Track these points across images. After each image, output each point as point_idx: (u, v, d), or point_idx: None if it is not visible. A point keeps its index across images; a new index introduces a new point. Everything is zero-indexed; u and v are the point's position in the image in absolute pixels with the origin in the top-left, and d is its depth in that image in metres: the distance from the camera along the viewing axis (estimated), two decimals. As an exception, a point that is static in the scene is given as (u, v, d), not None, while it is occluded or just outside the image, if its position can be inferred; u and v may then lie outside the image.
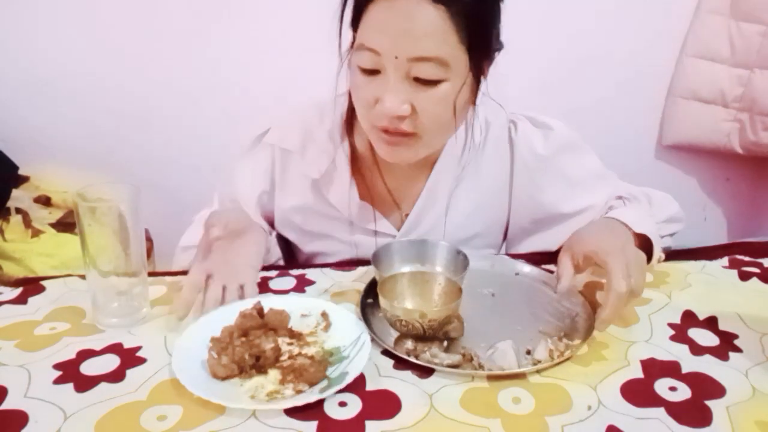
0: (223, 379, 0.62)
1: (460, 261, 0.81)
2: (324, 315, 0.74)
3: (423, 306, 0.74)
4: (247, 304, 0.72)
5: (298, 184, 0.94)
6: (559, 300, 0.81)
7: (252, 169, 0.96)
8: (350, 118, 0.91)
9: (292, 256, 1.03)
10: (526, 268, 0.88)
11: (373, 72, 0.76)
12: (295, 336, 0.70)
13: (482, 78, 0.81)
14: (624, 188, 0.97)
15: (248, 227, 0.85)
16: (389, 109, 0.75)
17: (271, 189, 0.96)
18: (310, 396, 0.59)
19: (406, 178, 0.94)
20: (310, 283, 0.86)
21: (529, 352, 0.69)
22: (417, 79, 0.75)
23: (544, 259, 0.92)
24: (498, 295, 0.82)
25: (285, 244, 1.01)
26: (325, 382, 0.62)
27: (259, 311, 0.71)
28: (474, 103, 0.83)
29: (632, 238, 0.82)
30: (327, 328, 0.72)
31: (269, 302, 0.73)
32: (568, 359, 0.67)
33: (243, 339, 0.66)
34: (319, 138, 0.91)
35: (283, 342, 0.69)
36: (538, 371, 0.66)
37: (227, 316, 0.70)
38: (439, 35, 0.73)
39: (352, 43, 0.79)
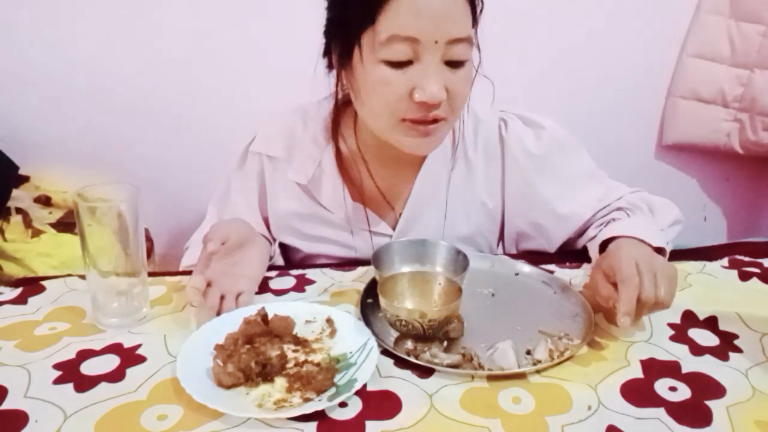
0: (229, 387, 0.62)
1: (460, 261, 0.81)
2: (329, 321, 0.73)
3: (423, 306, 0.74)
4: (251, 311, 0.71)
5: (289, 189, 0.93)
6: (559, 300, 0.81)
7: (245, 182, 0.95)
8: (335, 120, 0.90)
9: (287, 261, 1.02)
10: (526, 268, 0.88)
11: (404, 63, 0.74)
12: (300, 343, 0.70)
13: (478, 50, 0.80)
14: (619, 191, 0.96)
15: (250, 238, 0.84)
16: (433, 96, 0.73)
17: (264, 197, 0.96)
18: (318, 404, 0.58)
19: (396, 178, 0.93)
20: (310, 282, 0.86)
21: (529, 352, 0.69)
22: (447, 63, 0.74)
23: (544, 259, 0.92)
24: (498, 295, 0.82)
25: (281, 247, 1.01)
26: (333, 390, 0.61)
27: (264, 318, 0.70)
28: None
29: (654, 252, 0.80)
30: (332, 334, 0.71)
31: (273, 308, 0.73)
32: (568, 359, 0.67)
33: (248, 346, 0.65)
34: (304, 143, 0.91)
35: (288, 349, 0.68)
36: (538, 371, 0.66)
37: (230, 322, 0.70)
38: (464, 13, 0.74)
39: (351, 44, 0.76)
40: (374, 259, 0.81)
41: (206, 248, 0.75)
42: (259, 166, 0.94)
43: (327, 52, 0.83)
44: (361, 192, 0.93)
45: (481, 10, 0.78)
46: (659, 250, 0.82)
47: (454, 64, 0.75)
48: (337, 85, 0.84)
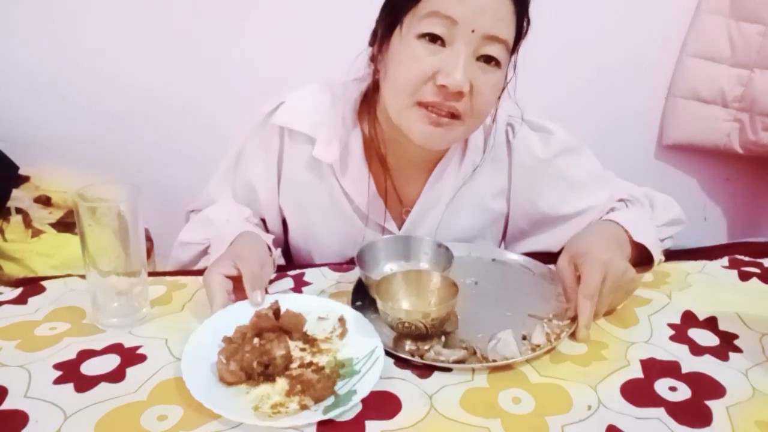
0: (230, 384, 0.62)
1: (443, 254, 0.82)
2: (341, 320, 0.72)
3: (419, 304, 0.74)
4: (265, 304, 0.71)
5: (307, 167, 0.91)
6: (540, 281, 0.83)
7: (263, 150, 0.92)
8: (362, 105, 0.90)
9: (290, 260, 1.02)
10: (503, 254, 0.90)
11: (437, 43, 0.75)
12: (308, 341, 0.69)
13: (512, 69, 0.82)
14: (626, 190, 0.96)
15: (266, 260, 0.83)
16: (456, 82, 0.73)
17: (279, 172, 0.94)
18: (314, 415, 0.57)
19: (409, 176, 0.93)
20: (308, 284, 0.85)
21: (525, 338, 0.69)
22: (479, 60, 0.75)
23: (544, 259, 0.92)
24: (481, 283, 0.83)
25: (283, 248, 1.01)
26: (331, 399, 0.60)
27: (276, 312, 0.70)
28: (499, 97, 0.83)
29: (627, 247, 0.83)
30: (342, 335, 0.70)
31: (288, 300, 0.72)
32: (553, 354, 0.68)
33: (254, 343, 0.65)
34: (331, 121, 0.88)
35: (295, 347, 0.68)
36: (531, 363, 0.66)
37: (243, 314, 0.70)
38: (509, 19, 0.75)
39: (395, 23, 0.78)
40: (358, 259, 0.80)
41: (252, 300, 0.73)
42: (279, 137, 0.91)
43: (373, 39, 0.84)
44: (377, 185, 0.93)
45: (526, 31, 0.80)
46: (645, 248, 0.84)
47: (485, 63, 0.76)
48: (375, 67, 0.84)
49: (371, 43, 0.85)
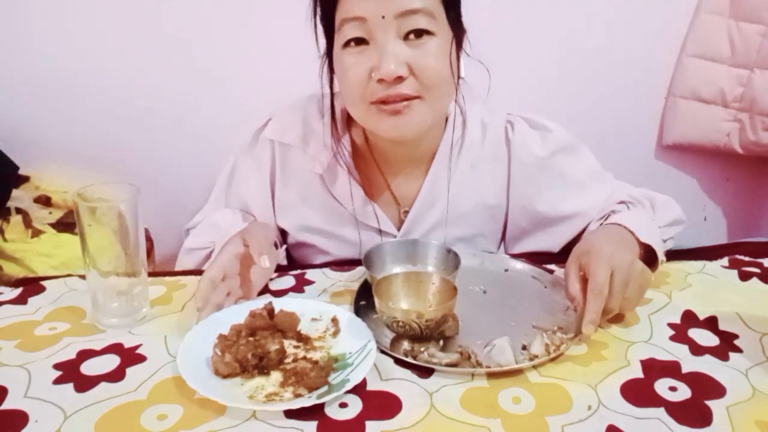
0: (225, 377, 0.62)
1: (451, 259, 0.82)
2: (334, 320, 0.73)
3: (418, 306, 0.74)
4: (258, 304, 0.72)
5: (300, 178, 0.93)
6: (550, 294, 0.81)
7: (255, 167, 0.95)
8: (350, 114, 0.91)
9: (289, 259, 1.03)
10: (516, 264, 0.89)
11: (361, 44, 0.77)
12: (302, 339, 0.70)
13: (463, 35, 0.83)
14: (625, 191, 0.96)
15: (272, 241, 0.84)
16: (388, 71, 0.75)
17: (273, 185, 0.96)
18: (307, 401, 0.58)
19: (405, 176, 0.93)
20: (309, 282, 0.86)
21: (525, 348, 0.69)
22: (408, 37, 0.76)
23: (544, 259, 0.92)
24: (490, 292, 0.83)
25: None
26: (325, 388, 0.61)
27: (270, 312, 0.70)
28: (459, 59, 0.83)
29: (636, 247, 0.81)
30: (336, 334, 0.71)
31: (281, 303, 0.73)
32: (561, 354, 0.67)
33: (249, 338, 0.66)
34: (320, 132, 0.91)
35: (289, 344, 0.68)
36: (534, 367, 0.66)
37: (237, 314, 0.70)
38: None
39: (331, 34, 0.80)
40: (366, 261, 0.80)
41: (261, 263, 0.75)
42: (270, 152, 0.94)
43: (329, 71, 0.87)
44: (370, 187, 0.93)
45: None
46: (650, 249, 0.83)
47: (414, 39, 0.76)
48: (330, 85, 0.87)
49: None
